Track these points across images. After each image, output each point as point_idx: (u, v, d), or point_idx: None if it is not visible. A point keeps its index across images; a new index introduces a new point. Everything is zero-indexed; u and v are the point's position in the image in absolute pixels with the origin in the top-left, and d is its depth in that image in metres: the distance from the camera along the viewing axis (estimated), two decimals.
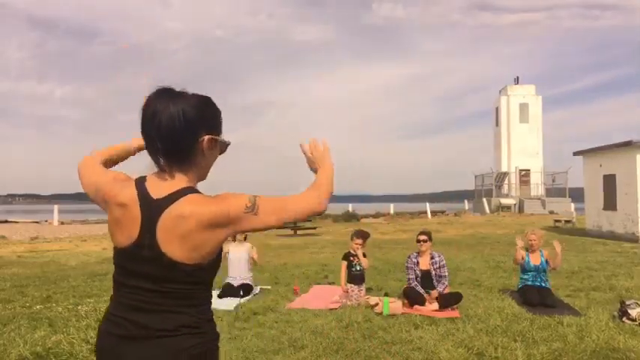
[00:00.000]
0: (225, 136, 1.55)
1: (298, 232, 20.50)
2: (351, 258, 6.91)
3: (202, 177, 1.54)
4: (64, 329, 5.34)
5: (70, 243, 16.96)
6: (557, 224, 23.50)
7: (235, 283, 7.17)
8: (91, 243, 16.77)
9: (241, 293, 6.95)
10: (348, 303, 6.49)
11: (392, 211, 36.78)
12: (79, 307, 6.44)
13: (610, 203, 17.99)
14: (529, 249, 6.91)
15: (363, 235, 7.02)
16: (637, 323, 5.29)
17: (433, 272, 6.55)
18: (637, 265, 10.17)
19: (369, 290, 7.22)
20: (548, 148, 41.13)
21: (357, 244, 6.87)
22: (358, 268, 6.86)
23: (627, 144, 16.66)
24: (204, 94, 1.50)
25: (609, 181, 18.05)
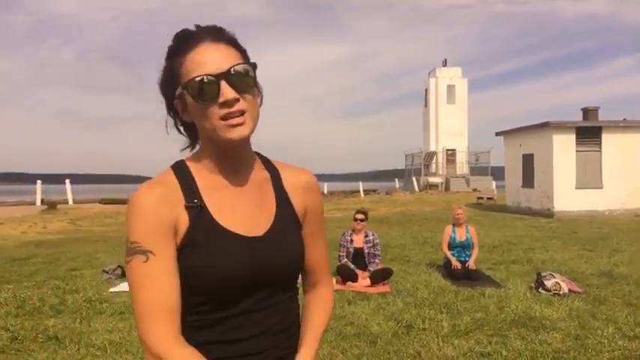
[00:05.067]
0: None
1: None
2: None
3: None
4: None
5: None
6: (480, 201, 24.75)
7: None
8: (9, 226, 15.76)
9: None
10: None
11: (326, 190, 37.21)
12: None
13: (528, 181, 19.14)
14: (455, 223, 7.24)
15: None
16: (552, 293, 5.70)
17: (366, 251, 6.71)
18: (552, 239, 10.94)
19: None
20: (473, 129, 42.92)
21: None
22: None
23: (544, 125, 17.72)
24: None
25: (528, 160, 19.17)
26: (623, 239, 10.70)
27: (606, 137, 17.57)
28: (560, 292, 5.68)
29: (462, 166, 39.25)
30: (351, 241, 6.77)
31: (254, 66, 1.05)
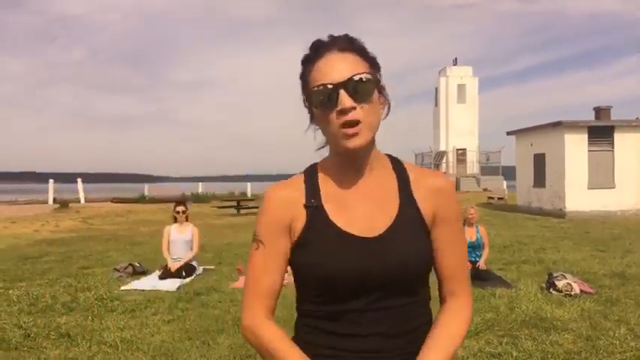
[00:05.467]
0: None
1: (242, 211, 20.35)
2: None
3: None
4: None
5: None
6: (491, 201, 24.59)
7: (177, 264, 7.05)
8: (21, 225, 15.94)
9: (183, 274, 6.84)
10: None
11: None
12: (10, 292, 6.14)
13: (539, 181, 18.98)
14: (466, 223, 7.20)
15: None
16: (563, 294, 5.65)
17: None
18: (563, 240, 10.84)
19: None
20: (484, 128, 42.62)
21: None
22: None
23: (556, 124, 17.57)
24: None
25: (539, 160, 19.02)
26: (636, 240, 10.58)
27: (619, 137, 17.38)
28: (572, 293, 5.64)
29: (472, 165, 39.03)
30: None
31: (376, 76, 1.08)
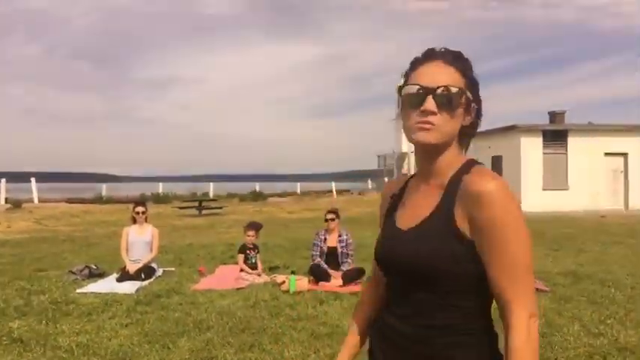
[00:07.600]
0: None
1: (203, 211, 20.07)
2: (248, 251, 7.00)
3: None
4: None
5: None
6: None
7: (136, 266, 6.89)
8: None
9: (142, 276, 6.69)
10: (255, 281, 6.51)
11: (298, 190, 37.16)
12: None
13: None
14: None
15: (256, 227, 7.22)
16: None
17: (339, 250, 6.73)
18: None
19: (275, 269, 7.28)
20: None
21: (249, 235, 7.03)
22: (254, 261, 6.98)
23: (512, 128, 18.10)
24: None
25: (497, 162, 19.54)
26: (588, 239, 10.98)
27: (572, 140, 18.05)
28: None
29: None
30: (325, 240, 6.79)
31: (466, 92, 1.18)
